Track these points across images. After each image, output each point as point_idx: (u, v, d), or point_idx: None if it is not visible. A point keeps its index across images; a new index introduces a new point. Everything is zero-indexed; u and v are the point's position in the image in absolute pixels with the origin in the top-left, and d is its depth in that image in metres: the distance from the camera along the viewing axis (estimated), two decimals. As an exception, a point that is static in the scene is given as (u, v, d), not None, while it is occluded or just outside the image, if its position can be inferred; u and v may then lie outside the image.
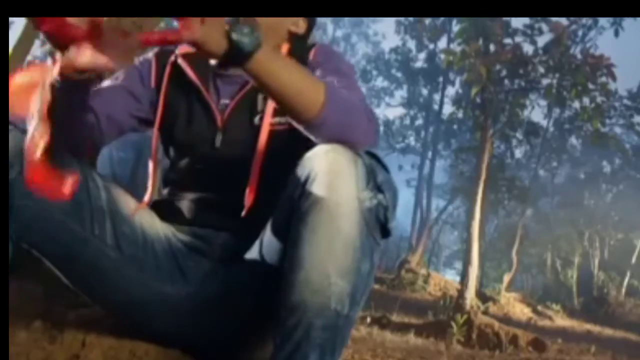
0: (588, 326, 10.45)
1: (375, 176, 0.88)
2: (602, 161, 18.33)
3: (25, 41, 2.09)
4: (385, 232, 0.91)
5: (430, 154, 17.94)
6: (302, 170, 0.90)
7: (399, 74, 18.64)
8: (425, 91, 18.61)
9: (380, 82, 19.73)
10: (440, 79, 16.86)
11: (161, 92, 1.18)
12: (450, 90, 15.75)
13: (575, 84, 6.31)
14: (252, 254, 1.06)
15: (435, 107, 17.64)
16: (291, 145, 0.98)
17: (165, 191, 1.28)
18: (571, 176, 19.81)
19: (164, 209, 1.21)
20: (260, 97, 1.14)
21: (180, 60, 1.17)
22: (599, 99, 6.67)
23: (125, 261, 1.05)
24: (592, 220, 16.87)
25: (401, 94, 19.46)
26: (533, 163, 15.16)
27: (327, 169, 0.86)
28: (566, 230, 17.10)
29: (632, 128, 9.70)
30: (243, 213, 1.07)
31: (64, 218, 0.98)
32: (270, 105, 1.11)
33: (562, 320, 10.89)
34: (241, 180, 1.09)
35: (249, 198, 1.07)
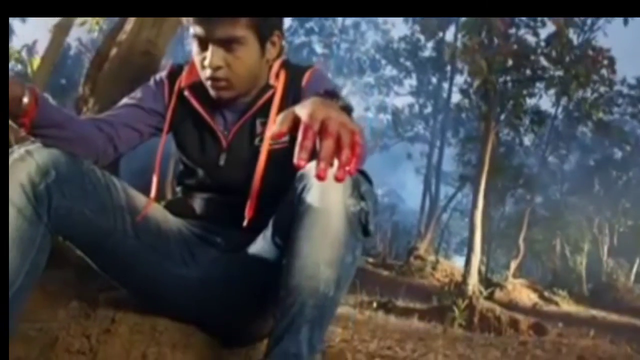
0: (594, 312, 10.58)
1: (359, 187, 1.08)
2: (613, 148, 18.27)
3: (56, 44, 2.23)
4: (366, 232, 1.11)
5: (438, 142, 18.02)
6: (299, 181, 1.10)
7: (407, 63, 18.68)
8: (434, 80, 18.64)
9: (389, 71, 19.79)
10: (449, 68, 16.89)
11: (168, 112, 1.38)
12: (459, 79, 15.80)
13: (577, 76, 6.40)
14: (256, 246, 1.27)
15: (444, 95, 17.67)
16: (287, 162, 1.16)
17: (178, 189, 1.49)
18: (581, 163, 19.78)
19: (178, 205, 1.42)
20: (258, 122, 1.33)
21: (186, 93, 1.36)
22: (602, 89, 6.75)
23: (144, 248, 1.26)
24: (601, 207, 16.91)
25: (410, 82, 19.52)
26: (541, 151, 15.19)
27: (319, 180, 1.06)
28: (575, 217, 17.17)
29: (635, 117, 9.72)
30: (245, 223, 1.27)
31: (93, 215, 1.18)
32: (270, 128, 1.29)
33: (568, 306, 11.03)
34: (242, 189, 1.30)
35: (249, 210, 1.27)
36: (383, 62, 19.32)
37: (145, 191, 1.36)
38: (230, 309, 1.28)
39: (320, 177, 0.77)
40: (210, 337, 1.34)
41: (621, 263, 15.80)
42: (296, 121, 0.82)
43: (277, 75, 1.36)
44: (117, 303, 1.35)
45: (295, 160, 0.77)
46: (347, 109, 0.92)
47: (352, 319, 3.89)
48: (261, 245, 1.25)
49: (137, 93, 1.41)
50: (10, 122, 1.10)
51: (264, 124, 1.33)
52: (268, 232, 1.22)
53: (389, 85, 19.97)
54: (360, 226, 1.08)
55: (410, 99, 20.65)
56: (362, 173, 1.11)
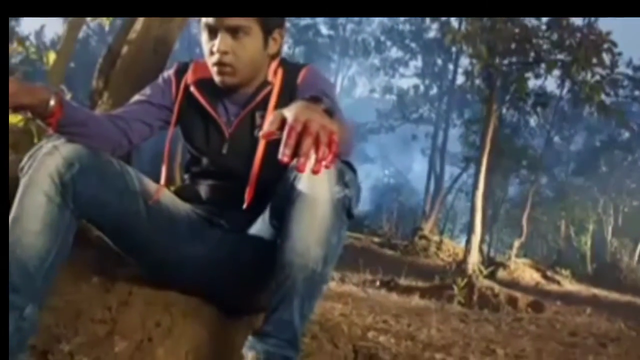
0: (595, 291, 10.73)
1: (344, 176, 1.23)
2: (619, 129, 18.22)
3: (70, 39, 2.34)
4: (349, 215, 1.26)
5: (443, 123, 18.05)
6: (291, 171, 1.25)
7: (413, 44, 18.62)
8: (439, 61, 18.59)
9: (394, 53, 19.74)
10: (454, 49, 16.84)
11: (175, 107, 1.53)
12: (464, 61, 15.78)
13: (577, 59, 6.45)
14: (256, 227, 1.43)
15: (450, 77, 17.63)
16: None
17: (186, 177, 1.64)
18: (587, 144, 19.76)
19: (186, 191, 1.58)
20: (257, 115, 1.48)
21: (192, 89, 1.50)
22: (603, 73, 6.80)
23: (156, 230, 1.41)
24: (606, 187, 16.97)
25: (415, 64, 19.48)
26: (546, 132, 15.22)
27: (299, 172, 1.21)
28: (581, 197, 17.25)
29: (636, 100, 9.74)
30: (244, 206, 1.42)
31: (112, 200, 1.34)
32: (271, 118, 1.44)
33: (570, 285, 11.18)
34: (243, 176, 1.45)
35: (248, 194, 1.43)
36: (388, 43, 19.30)
37: (157, 176, 1.52)
38: (234, 283, 1.44)
39: (299, 170, 0.92)
40: (217, 308, 1.51)
41: (625, 243, 15.91)
42: (284, 121, 0.97)
43: (275, 73, 1.51)
44: (133, 278, 1.52)
45: (279, 156, 0.92)
46: (330, 112, 1.06)
47: (353, 296, 4.08)
48: (260, 227, 1.41)
49: (147, 90, 1.56)
50: (39, 122, 1.26)
51: (263, 117, 1.48)
52: (266, 215, 1.38)
53: (394, 67, 19.98)
54: (344, 210, 1.23)
55: (415, 81, 20.73)
56: (347, 164, 1.26)
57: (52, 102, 1.23)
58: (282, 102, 1.42)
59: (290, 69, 1.52)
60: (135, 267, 1.51)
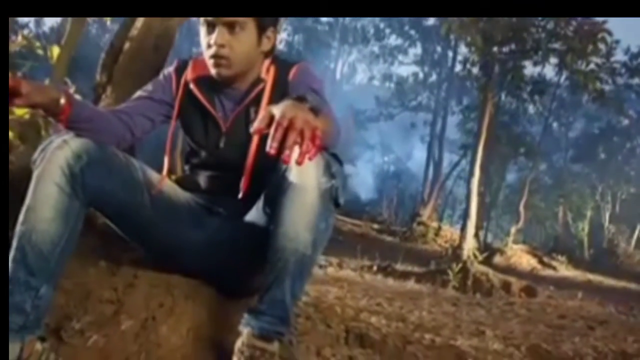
0: (591, 276, 10.86)
1: (331, 167, 1.33)
2: (618, 116, 18.26)
3: (74, 34, 2.42)
4: (336, 204, 1.36)
5: (442, 111, 18.08)
6: (282, 163, 1.35)
7: (412, 32, 18.58)
8: (439, 49, 18.56)
9: (393, 40, 19.70)
10: (453, 37, 16.80)
11: (176, 103, 1.62)
12: (463, 49, 15.74)
13: (573, 49, 6.50)
14: (251, 215, 1.53)
15: (449, 64, 17.61)
16: None
17: (186, 167, 1.75)
18: (586, 131, 19.78)
19: (186, 181, 1.68)
20: (252, 110, 1.58)
21: (192, 86, 1.60)
22: (599, 61, 6.86)
23: (159, 217, 1.52)
24: (605, 174, 17.06)
25: (414, 51, 19.45)
26: (544, 119, 15.26)
27: (284, 164, 1.30)
28: (579, 184, 17.35)
29: (631, 88, 9.79)
30: (240, 195, 1.53)
31: (117, 190, 1.45)
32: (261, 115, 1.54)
33: (566, 271, 11.32)
34: (238, 167, 1.56)
35: (244, 184, 1.54)
36: (387, 30, 19.26)
37: (159, 165, 1.62)
38: (231, 267, 1.56)
39: (284, 162, 1.03)
40: (215, 289, 1.62)
41: (622, 229, 16.05)
42: (272, 118, 1.08)
43: (267, 70, 1.61)
44: (138, 262, 1.63)
45: (267, 149, 1.03)
46: (315, 110, 1.16)
47: (349, 280, 4.19)
48: (255, 214, 1.52)
49: (149, 86, 1.65)
50: (50, 119, 1.36)
51: (256, 112, 1.58)
52: (260, 204, 1.49)
53: (393, 54, 19.97)
54: (331, 199, 1.34)
55: (414, 68, 20.73)
56: (334, 156, 1.37)
57: (62, 101, 1.34)
58: (275, 98, 1.52)
59: (282, 66, 1.62)
60: (139, 252, 1.62)
